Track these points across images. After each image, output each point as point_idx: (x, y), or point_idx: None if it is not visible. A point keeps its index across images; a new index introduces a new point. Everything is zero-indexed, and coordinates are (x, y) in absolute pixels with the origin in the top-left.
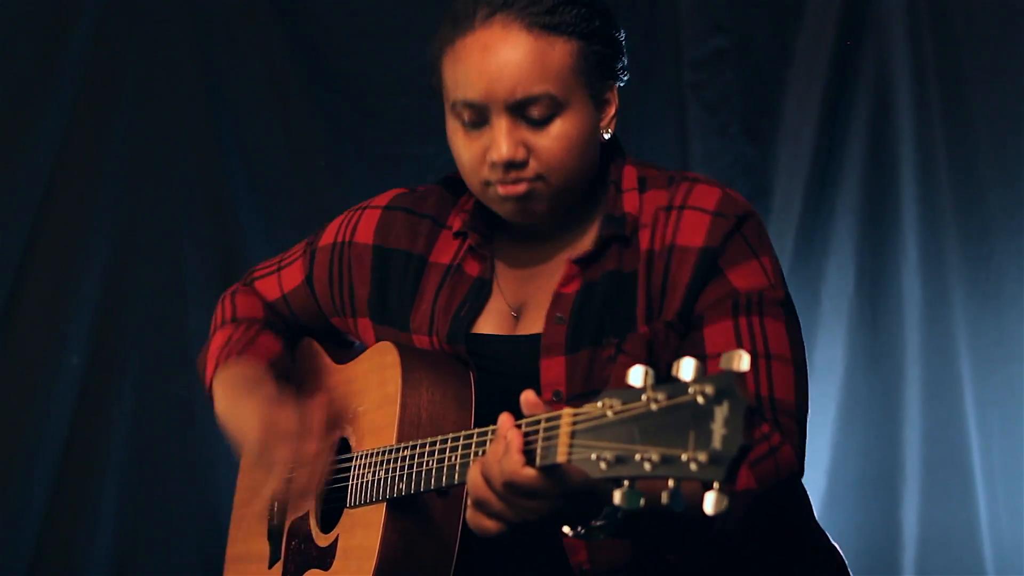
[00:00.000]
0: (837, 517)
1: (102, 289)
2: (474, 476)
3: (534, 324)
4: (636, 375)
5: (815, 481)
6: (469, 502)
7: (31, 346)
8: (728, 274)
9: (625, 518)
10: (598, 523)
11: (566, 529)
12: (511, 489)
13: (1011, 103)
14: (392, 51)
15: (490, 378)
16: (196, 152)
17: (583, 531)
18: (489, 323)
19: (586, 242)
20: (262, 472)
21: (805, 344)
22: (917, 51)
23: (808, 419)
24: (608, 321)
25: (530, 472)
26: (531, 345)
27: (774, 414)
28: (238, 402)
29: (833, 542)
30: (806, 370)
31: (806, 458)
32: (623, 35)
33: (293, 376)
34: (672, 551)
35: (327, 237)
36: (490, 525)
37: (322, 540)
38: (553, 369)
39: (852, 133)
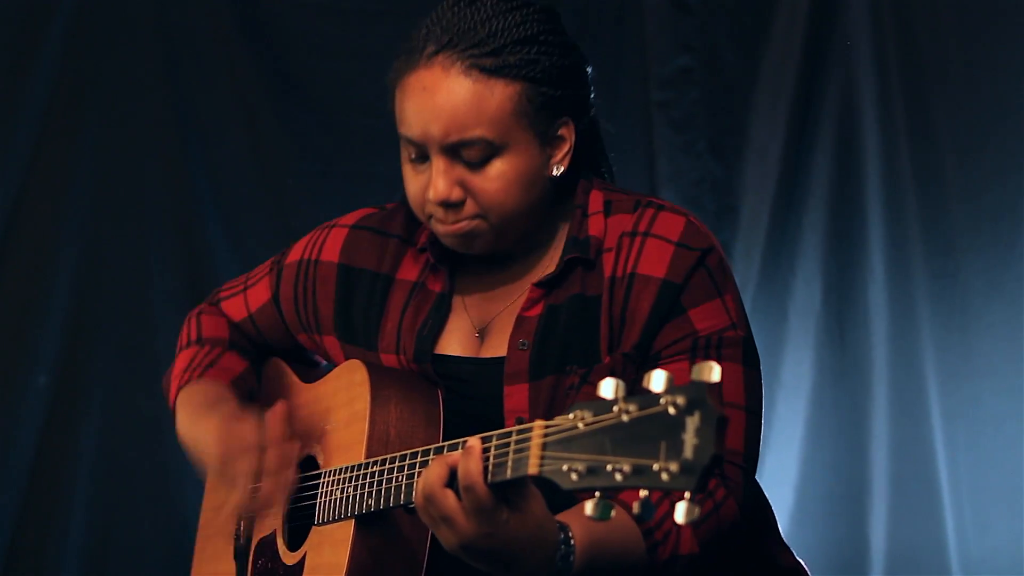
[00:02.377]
0: (805, 532)
1: (69, 307)
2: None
3: (498, 346)
4: (607, 387)
5: (783, 496)
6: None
7: None
8: (690, 313)
9: None
10: None
11: None
12: (468, 499)
13: (976, 121)
14: (359, 70)
15: (455, 399)
16: (164, 171)
17: None
18: (454, 343)
19: (550, 265)
20: (225, 488)
21: (773, 360)
22: (883, 69)
23: (756, 466)
24: (572, 346)
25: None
26: (495, 368)
27: (721, 465)
28: (198, 422)
29: (798, 559)
30: (760, 416)
31: (774, 473)
32: (588, 70)
33: (258, 395)
34: None
35: (294, 255)
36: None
37: (289, 558)
38: (516, 396)
39: (818, 151)
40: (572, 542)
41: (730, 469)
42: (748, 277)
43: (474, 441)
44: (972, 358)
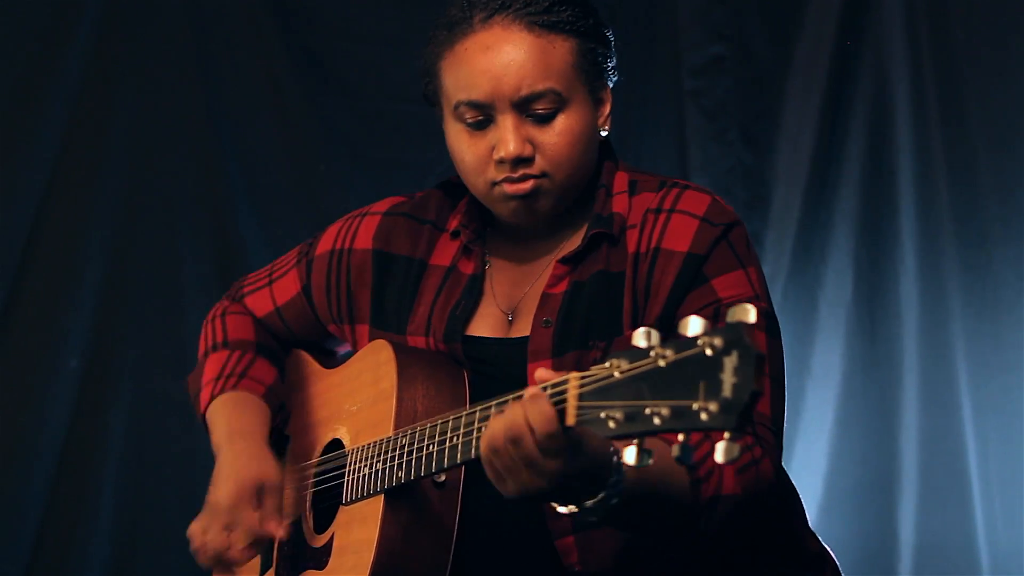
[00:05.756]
0: (834, 523)
1: (100, 292)
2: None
3: (525, 326)
4: (640, 336)
5: (812, 487)
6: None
7: (30, 348)
8: (713, 282)
9: (620, 504)
10: (592, 504)
11: (561, 509)
12: (543, 440)
13: (1009, 111)
14: (391, 56)
15: (482, 380)
16: (195, 156)
17: (577, 512)
18: (483, 326)
19: (575, 243)
20: (214, 525)
21: (803, 351)
22: (916, 58)
23: (783, 433)
24: (595, 322)
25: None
26: (520, 348)
27: (753, 426)
28: (230, 444)
29: (826, 546)
30: (784, 384)
31: (803, 463)
32: (612, 35)
33: (287, 401)
34: (656, 550)
35: (324, 244)
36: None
37: (316, 540)
38: None
39: (850, 140)
40: (623, 467)
41: (762, 431)
42: (779, 267)
43: (534, 389)
44: (1003, 350)
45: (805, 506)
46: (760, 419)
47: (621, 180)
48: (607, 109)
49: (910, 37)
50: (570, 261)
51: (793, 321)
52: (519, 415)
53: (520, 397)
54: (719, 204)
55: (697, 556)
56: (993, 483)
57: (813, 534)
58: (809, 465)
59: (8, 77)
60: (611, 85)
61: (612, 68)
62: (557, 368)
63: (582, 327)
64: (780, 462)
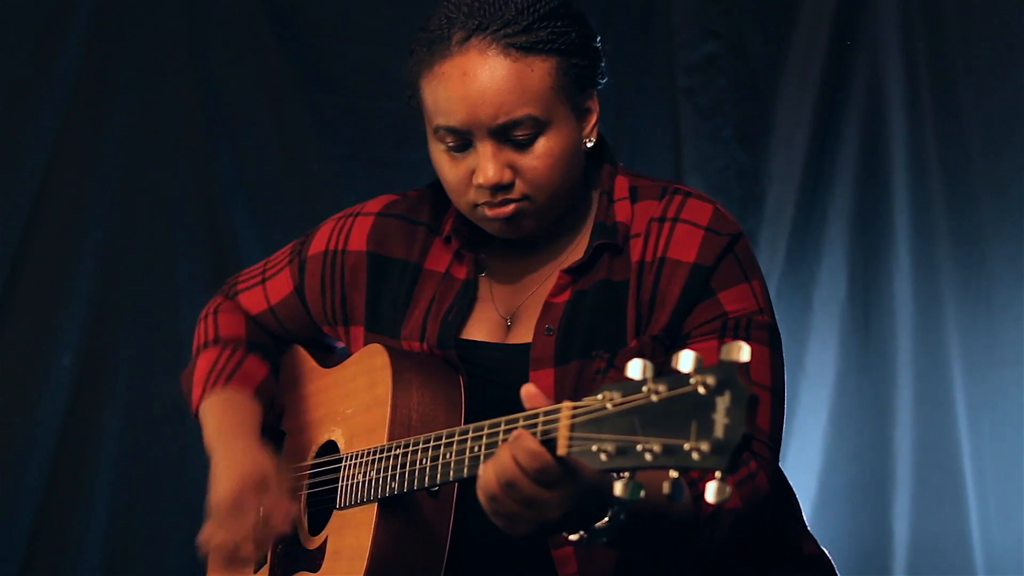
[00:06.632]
0: (828, 522)
1: (94, 291)
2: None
3: (525, 333)
4: (635, 368)
5: (806, 486)
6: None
7: (23, 347)
8: (719, 295)
9: (628, 520)
10: (602, 525)
11: (572, 537)
12: (537, 476)
13: (1003, 109)
14: (386, 55)
15: (480, 385)
16: (190, 154)
17: (587, 536)
18: (481, 330)
19: (577, 251)
20: (221, 524)
21: (797, 349)
22: (910, 57)
23: (780, 447)
24: (598, 331)
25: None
26: (521, 354)
27: (751, 444)
28: (223, 442)
29: (822, 547)
30: (784, 398)
31: (797, 462)
32: (598, 40)
33: (278, 397)
34: (658, 566)
35: (318, 244)
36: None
37: (311, 543)
38: (542, 381)
39: (845, 139)
40: None
41: (759, 446)
42: (773, 265)
43: (520, 432)
44: (998, 348)
45: (800, 505)
46: (758, 434)
47: (621, 185)
48: (593, 119)
49: (904, 35)
50: (574, 271)
51: (787, 319)
52: (507, 459)
53: (513, 421)
54: (721, 213)
55: (694, 564)
56: (988, 481)
57: (810, 536)
58: (803, 464)
59: (2, 75)
60: (600, 85)
61: (599, 73)
62: (560, 377)
63: (585, 336)
64: (776, 475)
